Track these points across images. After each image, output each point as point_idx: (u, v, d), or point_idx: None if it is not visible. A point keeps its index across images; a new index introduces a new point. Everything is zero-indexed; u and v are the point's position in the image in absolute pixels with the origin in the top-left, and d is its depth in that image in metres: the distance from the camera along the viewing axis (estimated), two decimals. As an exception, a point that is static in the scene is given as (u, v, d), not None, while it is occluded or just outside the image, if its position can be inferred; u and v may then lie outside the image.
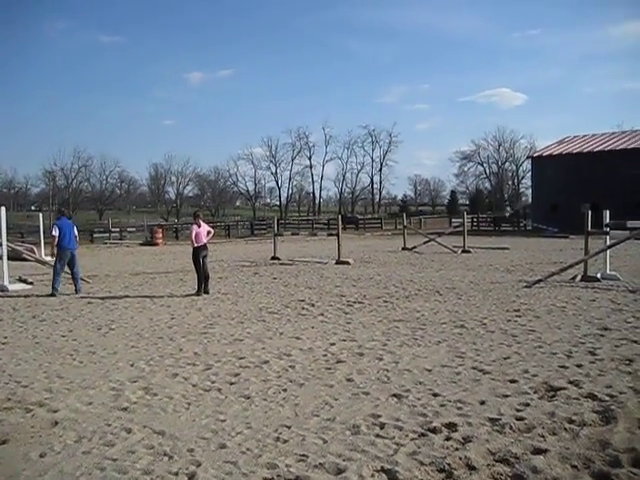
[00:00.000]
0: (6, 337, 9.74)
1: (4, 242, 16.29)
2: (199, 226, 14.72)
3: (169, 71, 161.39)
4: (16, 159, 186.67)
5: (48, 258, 19.05)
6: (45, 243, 24.48)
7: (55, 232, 14.96)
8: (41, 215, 29.48)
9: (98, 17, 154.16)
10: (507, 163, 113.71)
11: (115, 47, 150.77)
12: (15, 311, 12.48)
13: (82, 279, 16.24)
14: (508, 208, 53.23)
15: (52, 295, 14.42)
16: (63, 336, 9.73)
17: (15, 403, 6.15)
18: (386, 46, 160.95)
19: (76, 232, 15.68)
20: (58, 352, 8.55)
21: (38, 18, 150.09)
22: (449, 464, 4.36)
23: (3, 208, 16.55)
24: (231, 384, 6.70)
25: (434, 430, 5.06)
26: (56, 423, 5.52)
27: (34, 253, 16.59)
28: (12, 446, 5.00)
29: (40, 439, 5.14)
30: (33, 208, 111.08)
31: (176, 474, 4.37)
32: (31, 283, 17.08)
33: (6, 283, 15.84)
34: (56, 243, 14.93)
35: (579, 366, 6.99)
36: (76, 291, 14.97)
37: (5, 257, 16.17)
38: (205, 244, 14.75)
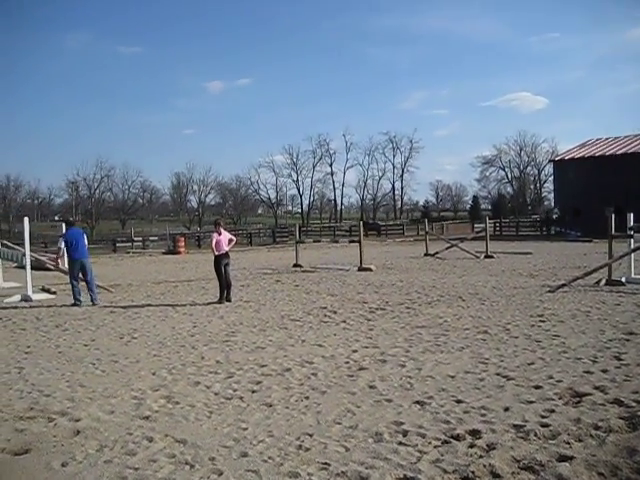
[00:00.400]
0: (29, 346, 9.82)
1: (27, 252, 16.45)
2: (220, 234, 14.76)
3: (189, 81, 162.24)
4: (40, 170, 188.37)
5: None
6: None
7: (61, 245, 15.06)
8: (64, 225, 29.67)
9: (117, 28, 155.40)
10: (529, 167, 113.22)
11: (135, 57, 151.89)
12: (38, 320, 12.58)
13: (105, 288, 16.38)
14: (556, 209, 52.10)
15: (75, 305, 14.48)
16: (85, 345, 9.78)
17: (38, 412, 6.19)
18: (405, 52, 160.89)
19: (86, 241, 15.39)
20: (81, 361, 8.59)
21: (59, 30, 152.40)
22: (473, 472, 4.31)
23: (26, 218, 16.76)
24: (253, 392, 6.69)
25: (457, 437, 5.01)
26: (78, 432, 5.53)
27: (57, 263, 16.63)
28: (34, 455, 5.02)
29: (62, 448, 5.15)
30: (57, 218, 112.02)
31: (198, 483, 4.36)
32: (54, 293, 17.23)
33: (30, 293, 15.98)
34: (61, 254, 15.05)
35: (604, 371, 6.90)
36: (92, 301, 14.78)
37: (29, 267, 16.32)
38: (227, 252, 14.79)
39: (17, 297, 16.14)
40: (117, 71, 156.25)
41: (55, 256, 15.60)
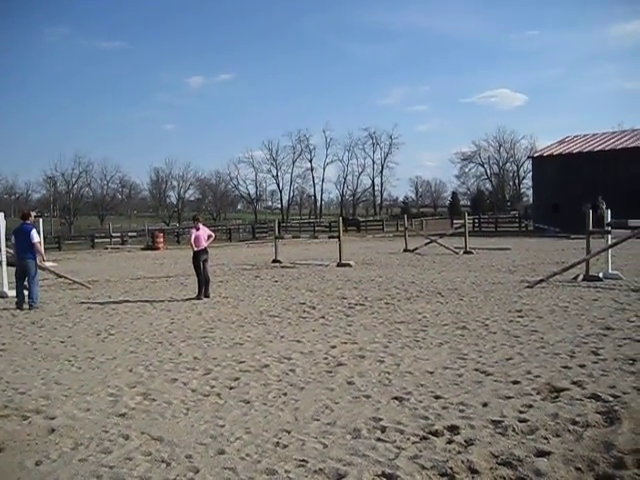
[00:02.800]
0: (4, 343, 9.70)
1: (3, 248, 16.22)
2: (198, 230, 14.70)
3: (169, 76, 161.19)
4: (17, 165, 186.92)
5: (48, 264, 18.99)
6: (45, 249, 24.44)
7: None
8: (41, 221, 29.41)
9: (98, 22, 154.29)
10: (508, 164, 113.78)
11: (115, 52, 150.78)
12: (14, 317, 12.44)
13: (82, 284, 16.31)
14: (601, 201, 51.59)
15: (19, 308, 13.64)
16: (62, 342, 9.68)
17: (12, 410, 6.10)
18: (385, 48, 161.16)
19: (35, 239, 14.02)
20: (56, 358, 8.50)
21: (38, 25, 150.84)
22: (451, 468, 4.30)
23: (1, 214, 16.51)
24: (231, 388, 6.65)
25: (436, 433, 5.00)
26: (53, 430, 5.46)
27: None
28: (8, 454, 4.95)
29: (36, 447, 5.08)
30: (34, 214, 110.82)
31: (174, 481, 4.31)
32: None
33: (5, 289, 15.78)
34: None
35: (582, 366, 6.93)
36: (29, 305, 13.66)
37: (4, 263, 16.11)
38: (205, 248, 14.71)
39: (-8, 294, 15.94)
40: (97, 66, 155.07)
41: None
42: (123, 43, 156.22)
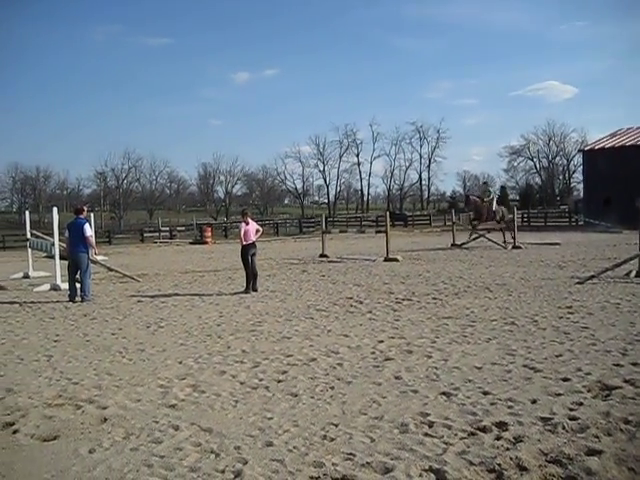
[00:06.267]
0: (58, 335, 9.93)
1: (57, 242, 16.60)
2: (247, 224, 14.81)
3: (216, 71, 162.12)
4: (68, 161, 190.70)
5: (99, 257, 19.34)
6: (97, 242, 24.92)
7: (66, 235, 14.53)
8: (92, 215, 29.95)
9: (145, 20, 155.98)
10: (558, 157, 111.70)
11: (162, 49, 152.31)
12: (67, 309, 12.72)
13: (132, 277, 16.55)
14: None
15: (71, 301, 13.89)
16: (113, 334, 9.86)
17: (66, 400, 6.26)
18: (432, 41, 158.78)
19: (88, 233, 14.33)
20: (108, 350, 8.67)
21: (88, 23, 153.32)
22: (499, 464, 4.27)
23: (55, 209, 16.94)
24: (278, 382, 6.70)
25: (484, 429, 4.97)
26: (105, 420, 5.59)
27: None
28: (62, 442, 5.09)
29: (89, 435, 5.21)
30: (85, 208, 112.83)
31: (222, 472, 4.37)
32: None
33: (59, 282, 16.15)
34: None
35: (635, 364, 6.79)
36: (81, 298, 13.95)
37: (57, 256, 16.48)
38: (254, 242, 14.82)
39: (46, 286, 16.34)
40: (145, 63, 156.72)
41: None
42: (170, 39, 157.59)
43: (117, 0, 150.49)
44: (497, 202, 30.71)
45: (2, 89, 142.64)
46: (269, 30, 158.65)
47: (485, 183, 37.01)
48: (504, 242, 26.10)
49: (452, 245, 27.75)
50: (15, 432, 5.37)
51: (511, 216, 27.94)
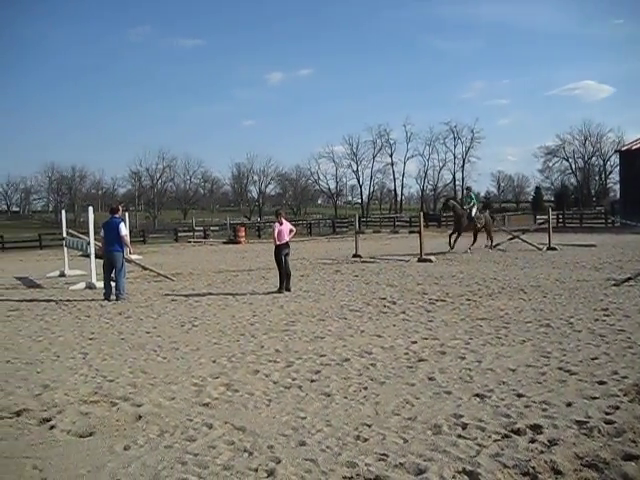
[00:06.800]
0: (93, 333, 10.07)
1: (92, 241, 16.82)
2: (281, 224, 14.86)
3: (249, 72, 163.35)
4: (104, 161, 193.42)
5: (134, 256, 19.55)
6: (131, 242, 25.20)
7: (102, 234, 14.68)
8: (127, 214, 30.26)
9: (179, 21, 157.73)
10: (594, 158, 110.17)
11: (196, 50, 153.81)
12: (102, 308, 12.90)
13: (167, 277, 16.70)
14: None
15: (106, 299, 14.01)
16: (147, 332, 9.98)
17: (101, 397, 6.36)
18: (466, 41, 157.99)
19: (123, 232, 14.53)
20: (143, 348, 8.77)
21: (123, 25, 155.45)
22: (533, 467, 4.24)
23: (91, 208, 17.17)
24: (312, 381, 6.72)
25: (518, 432, 4.94)
26: (140, 417, 5.66)
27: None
28: (98, 438, 5.17)
29: (124, 432, 5.29)
30: (120, 208, 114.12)
31: (256, 470, 4.41)
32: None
33: (94, 280, 16.36)
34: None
35: (673, 368, 6.70)
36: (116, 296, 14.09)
37: (93, 255, 16.70)
38: (287, 242, 14.87)
39: (82, 284, 16.59)
40: (179, 63, 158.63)
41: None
42: (204, 40, 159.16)
43: (148, 2, 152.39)
44: (483, 208, 30.28)
45: (40, 93, 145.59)
46: (304, 30, 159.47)
47: (468, 189, 36.55)
48: (471, 245, 25.62)
49: (486, 246, 27.52)
50: (52, 428, 5.48)
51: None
